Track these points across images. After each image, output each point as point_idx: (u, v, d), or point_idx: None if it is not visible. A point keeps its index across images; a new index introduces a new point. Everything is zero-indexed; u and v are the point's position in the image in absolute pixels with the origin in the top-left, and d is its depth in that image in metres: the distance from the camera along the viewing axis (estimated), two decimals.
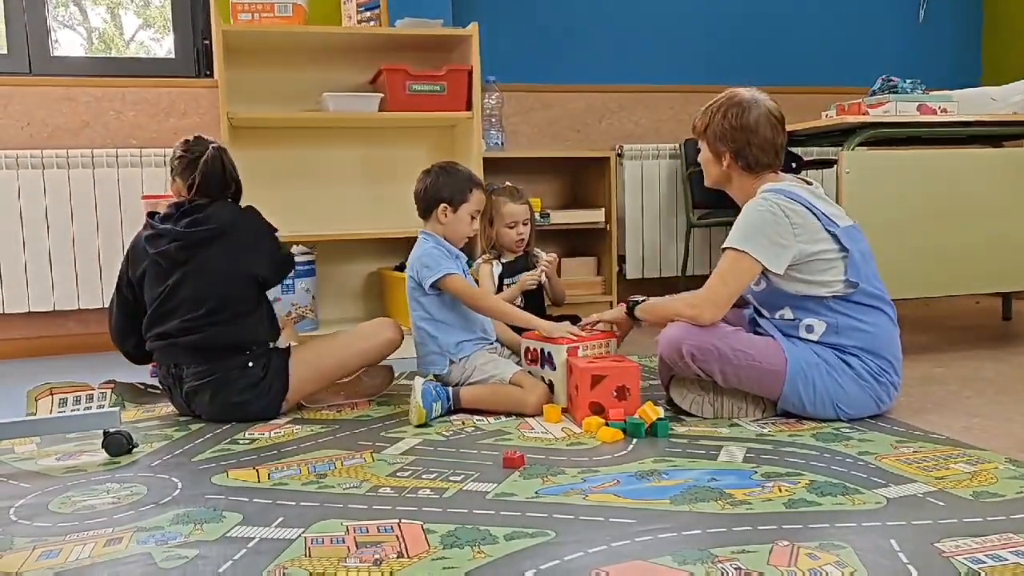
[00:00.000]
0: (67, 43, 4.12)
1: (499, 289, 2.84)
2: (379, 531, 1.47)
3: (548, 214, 3.79)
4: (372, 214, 3.64)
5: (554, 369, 2.28)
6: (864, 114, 2.88)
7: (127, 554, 1.41)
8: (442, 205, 2.44)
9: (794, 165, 3.55)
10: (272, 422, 2.26)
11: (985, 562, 1.28)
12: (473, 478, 1.75)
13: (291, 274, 2.70)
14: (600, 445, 1.97)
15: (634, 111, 4.24)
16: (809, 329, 2.12)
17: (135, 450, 2.02)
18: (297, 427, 2.22)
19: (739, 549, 1.35)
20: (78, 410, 2.44)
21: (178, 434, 2.18)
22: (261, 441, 2.09)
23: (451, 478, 1.76)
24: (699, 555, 1.33)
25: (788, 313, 2.15)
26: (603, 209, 3.85)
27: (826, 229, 2.07)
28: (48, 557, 1.40)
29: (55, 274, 3.39)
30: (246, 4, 3.21)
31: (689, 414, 2.20)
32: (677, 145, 4.10)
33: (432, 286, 2.37)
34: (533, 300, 2.87)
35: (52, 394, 2.51)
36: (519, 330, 2.46)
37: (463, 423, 2.21)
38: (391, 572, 1.31)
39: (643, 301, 2.31)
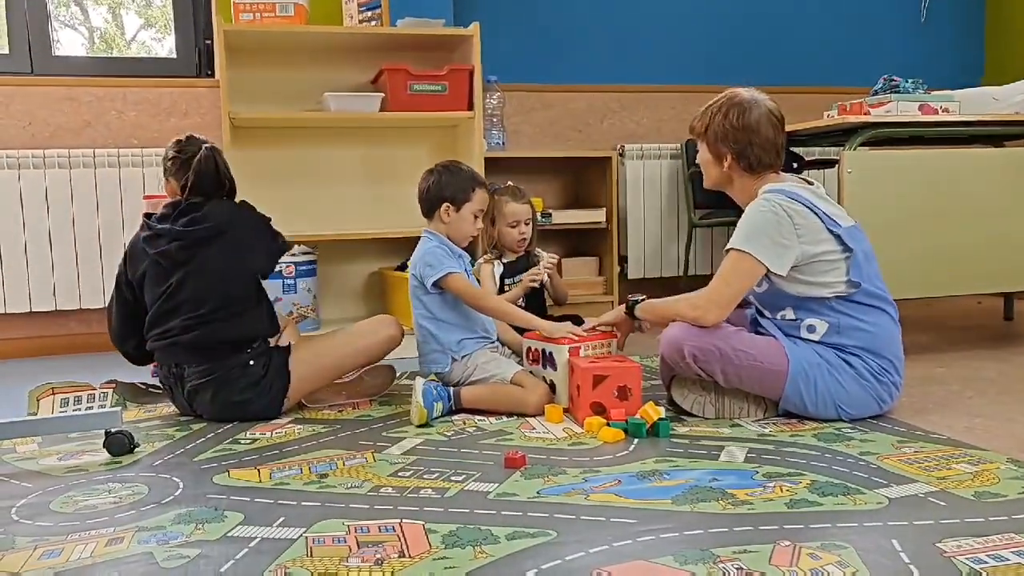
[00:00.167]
0: (68, 43, 4.13)
1: (500, 289, 2.84)
2: (380, 531, 1.47)
3: (550, 214, 3.79)
4: (373, 214, 3.64)
5: (555, 369, 2.28)
6: (866, 114, 2.88)
7: (128, 554, 1.41)
8: (445, 204, 2.44)
9: (795, 165, 3.54)
10: (273, 422, 2.27)
11: (987, 562, 1.28)
12: (475, 478, 1.75)
13: (288, 252, 2.72)
14: (601, 445, 1.98)
15: (635, 111, 4.24)
16: (811, 329, 2.12)
17: (136, 450, 2.03)
18: (298, 427, 2.22)
19: (741, 549, 1.35)
20: (79, 410, 2.44)
21: (179, 434, 2.18)
22: (262, 441, 2.09)
23: (452, 478, 1.76)
24: (701, 555, 1.33)
25: (790, 313, 2.15)
26: (604, 209, 3.85)
27: (828, 229, 2.07)
28: (49, 557, 1.41)
29: (56, 274, 3.39)
30: (247, 4, 3.21)
31: (690, 414, 2.20)
32: (679, 145, 4.10)
33: (434, 285, 2.37)
34: (534, 300, 2.87)
35: (54, 394, 2.51)
36: (521, 330, 2.46)
37: (464, 423, 2.21)
38: (392, 572, 1.31)
39: (642, 300, 2.30)
